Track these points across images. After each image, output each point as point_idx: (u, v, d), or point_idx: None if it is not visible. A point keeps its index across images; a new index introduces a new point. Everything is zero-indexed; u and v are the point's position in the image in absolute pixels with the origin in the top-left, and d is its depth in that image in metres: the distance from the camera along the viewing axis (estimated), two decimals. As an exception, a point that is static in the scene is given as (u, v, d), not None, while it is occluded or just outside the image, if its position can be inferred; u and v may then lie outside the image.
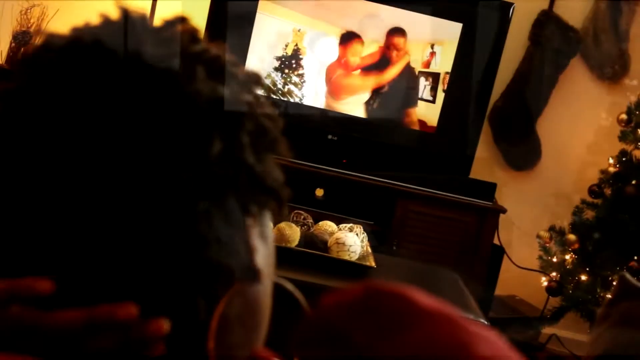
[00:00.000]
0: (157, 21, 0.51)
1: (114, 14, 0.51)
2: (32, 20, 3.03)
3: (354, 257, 2.06)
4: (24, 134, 0.47)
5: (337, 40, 3.08)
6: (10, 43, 3.01)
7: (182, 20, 0.52)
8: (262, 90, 0.53)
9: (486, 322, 2.08)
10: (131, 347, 0.46)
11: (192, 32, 0.51)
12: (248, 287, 0.52)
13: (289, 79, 3.09)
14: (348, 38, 3.07)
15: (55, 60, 0.48)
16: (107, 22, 0.51)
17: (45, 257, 0.46)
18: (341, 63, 3.09)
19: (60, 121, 0.46)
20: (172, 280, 0.47)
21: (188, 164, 0.46)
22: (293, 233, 2.04)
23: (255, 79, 0.52)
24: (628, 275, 1.03)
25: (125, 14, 0.50)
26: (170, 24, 0.51)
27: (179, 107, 0.46)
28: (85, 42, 0.48)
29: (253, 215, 0.51)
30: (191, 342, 0.49)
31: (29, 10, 3.03)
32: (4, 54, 3.02)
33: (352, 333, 0.44)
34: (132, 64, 0.47)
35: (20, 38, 3.00)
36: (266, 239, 0.54)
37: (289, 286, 0.70)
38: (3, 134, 0.48)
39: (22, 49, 3.00)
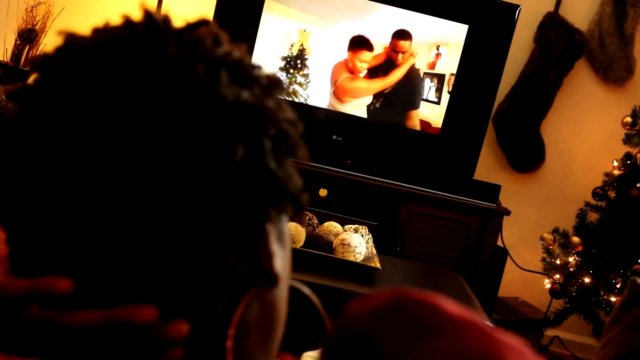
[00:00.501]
0: (180, 23, 0.51)
1: (136, 14, 0.51)
2: (37, 18, 3.03)
3: (359, 258, 2.06)
4: (45, 134, 0.46)
5: (345, 44, 3.07)
6: (16, 41, 3.01)
7: (205, 22, 0.51)
8: (283, 94, 0.53)
9: (491, 324, 2.08)
10: (149, 349, 0.46)
11: (215, 34, 0.51)
12: (266, 292, 0.52)
13: (294, 79, 3.09)
14: (358, 44, 3.07)
15: (79, 62, 0.47)
16: (129, 23, 0.50)
17: (68, 258, 0.46)
18: (348, 67, 3.08)
19: (82, 122, 0.45)
20: (193, 286, 0.47)
21: (211, 170, 0.46)
22: (298, 233, 2.04)
23: (276, 83, 0.52)
24: (639, 280, 1.03)
25: (148, 15, 0.50)
26: (193, 26, 0.51)
27: (203, 112, 0.46)
28: (109, 44, 0.48)
29: (272, 220, 0.51)
30: (210, 347, 0.49)
31: (34, 8, 3.03)
32: (9, 52, 3.02)
33: (379, 340, 0.44)
34: (156, 67, 0.46)
35: (26, 36, 2.99)
36: (284, 243, 0.54)
37: (306, 290, 0.70)
38: (23, 133, 0.48)
39: (28, 47, 3.00)
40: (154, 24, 0.49)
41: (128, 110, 0.45)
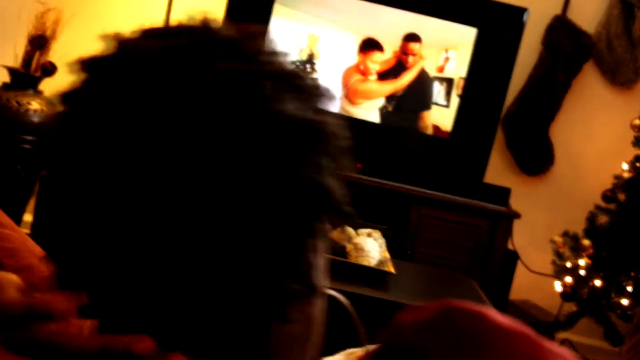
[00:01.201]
0: (233, 30, 0.49)
1: (187, 19, 0.50)
2: (47, 25, 3.04)
3: (372, 263, 2.07)
4: (97, 140, 0.46)
5: (356, 46, 3.08)
6: (26, 47, 3.02)
7: (259, 31, 0.50)
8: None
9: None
10: None
11: (269, 44, 0.50)
12: (308, 304, 0.52)
13: (303, 84, 3.09)
14: (369, 46, 3.07)
15: (136, 70, 0.46)
16: (184, 29, 0.49)
17: (116, 276, 0.46)
18: (359, 69, 3.09)
19: (136, 132, 0.45)
20: (247, 306, 0.46)
21: (269, 189, 0.45)
22: (312, 238, 2.04)
23: (327, 94, 0.51)
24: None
25: (204, 22, 0.49)
26: (249, 35, 0.50)
27: (262, 129, 0.45)
28: (166, 52, 0.46)
29: (321, 235, 0.50)
30: None
31: (44, 15, 3.03)
32: (20, 58, 3.03)
33: (430, 352, 0.44)
34: (214, 81, 0.45)
35: (36, 42, 3.00)
36: (323, 254, 0.54)
37: (341, 298, 0.71)
38: (72, 137, 0.47)
39: (38, 53, 3.01)
40: (210, 32, 0.48)
41: (184, 124, 0.44)
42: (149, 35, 0.49)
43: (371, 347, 0.58)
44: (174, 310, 0.45)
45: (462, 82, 3.08)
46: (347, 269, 2.03)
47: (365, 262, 2.05)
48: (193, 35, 0.48)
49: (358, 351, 0.71)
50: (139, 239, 0.45)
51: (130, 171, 0.44)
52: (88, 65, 0.48)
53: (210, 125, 0.44)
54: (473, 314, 0.45)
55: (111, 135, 0.45)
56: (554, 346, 0.44)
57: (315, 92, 0.50)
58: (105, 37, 0.49)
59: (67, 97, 0.48)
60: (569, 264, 3.13)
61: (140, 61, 0.46)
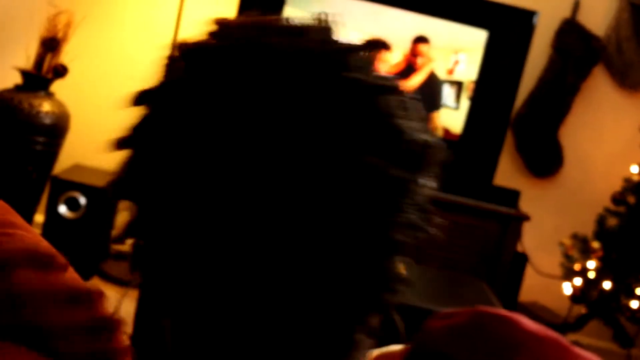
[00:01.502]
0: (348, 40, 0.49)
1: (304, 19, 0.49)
2: (59, 27, 3.05)
3: (384, 265, 2.07)
4: (207, 127, 0.44)
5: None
6: (38, 49, 3.04)
7: (377, 43, 0.50)
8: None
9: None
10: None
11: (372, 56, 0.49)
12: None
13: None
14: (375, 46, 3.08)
15: (265, 62, 0.45)
16: (305, 28, 0.48)
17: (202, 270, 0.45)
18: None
19: (259, 126, 0.43)
20: (348, 318, 0.46)
21: (381, 204, 0.45)
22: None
23: (425, 114, 0.51)
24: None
25: (323, 24, 0.48)
26: (361, 46, 0.49)
27: (385, 146, 0.45)
28: (294, 51, 0.45)
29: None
30: None
31: (56, 17, 3.05)
32: (32, 60, 3.04)
33: (460, 357, 0.45)
34: (337, 89, 0.44)
35: (48, 44, 3.02)
36: None
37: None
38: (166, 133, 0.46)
39: (50, 55, 3.02)
40: (331, 38, 0.48)
41: (309, 129, 0.43)
42: (269, 29, 0.47)
43: (384, 350, 0.59)
44: (272, 322, 0.45)
45: (472, 85, 3.09)
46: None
47: (376, 265, 2.05)
48: (318, 39, 0.47)
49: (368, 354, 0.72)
50: (235, 249, 0.44)
51: (241, 173, 0.43)
52: (207, 52, 0.47)
53: (337, 135, 0.43)
54: (504, 320, 0.46)
55: (229, 124, 0.44)
56: (583, 352, 0.45)
57: (413, 107, 0.49)
58: (214, 22, 0.48)
59: (173, 82, 0.47)
60: (578, 266, 3.13)
61: (269, 57, 0.45)
